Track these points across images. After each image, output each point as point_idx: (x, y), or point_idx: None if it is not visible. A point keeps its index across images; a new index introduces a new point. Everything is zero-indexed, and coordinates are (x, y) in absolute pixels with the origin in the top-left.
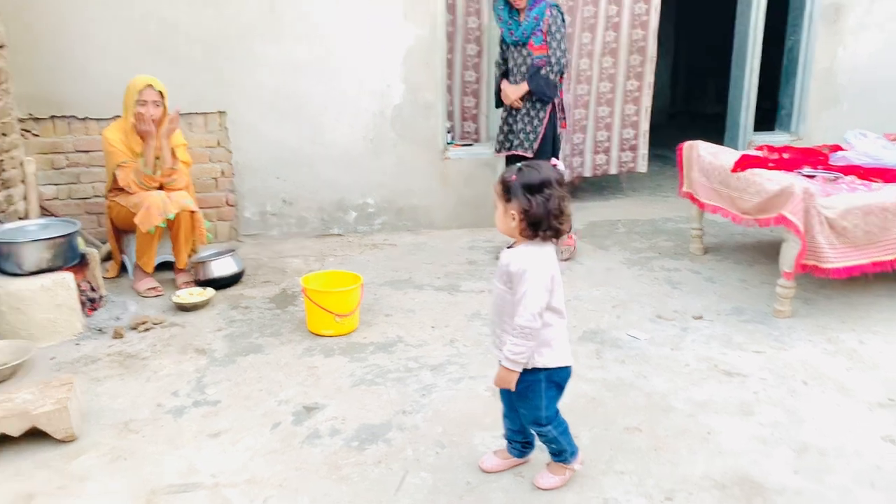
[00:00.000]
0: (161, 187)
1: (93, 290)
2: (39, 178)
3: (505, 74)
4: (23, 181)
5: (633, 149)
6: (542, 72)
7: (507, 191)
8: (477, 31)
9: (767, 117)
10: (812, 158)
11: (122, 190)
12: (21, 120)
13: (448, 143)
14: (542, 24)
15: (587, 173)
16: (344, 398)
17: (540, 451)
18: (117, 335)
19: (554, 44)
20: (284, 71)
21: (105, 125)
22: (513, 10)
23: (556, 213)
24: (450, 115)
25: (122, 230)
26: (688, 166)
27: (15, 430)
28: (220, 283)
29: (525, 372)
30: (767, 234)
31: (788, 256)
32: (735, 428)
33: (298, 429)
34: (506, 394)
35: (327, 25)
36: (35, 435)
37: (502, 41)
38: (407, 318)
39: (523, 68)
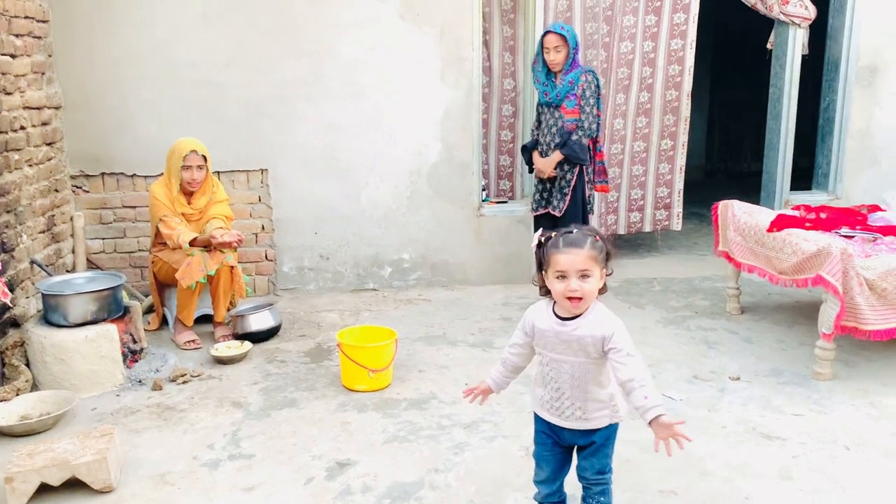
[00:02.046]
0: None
1: (134, 342)
2: (87, 232)
3: (536, 143)
4: (72, 235)
5: (668, 207)
6: (574, 137)
7: (604, 252)
8: (512, 92)
9: (804, 175)
10: (850, 218)
11: (165, 245)
12: (73, 177)
13: (483, 201)
14: (576, 88)
15: (622, 231)
16: (376, 454)
17: None
18: (156, 387)
19: (587, 108)
20: (325, 130)
21: (151, 182)
22: (550, 73)
23: None
24: (485, 174)
25: (164, 284)
26: (723, 225)
27: (55, 479)
28: (258, 337)
29: (610, 426)
30: (805, 295)
31: (827, 318)
32: (774, 494)
33: (331, 484)
34: (553, 460)
35: (368, 88)
36: (74, 485)
37: (539, 103)
38: (440, 374)
39: (554, 129)
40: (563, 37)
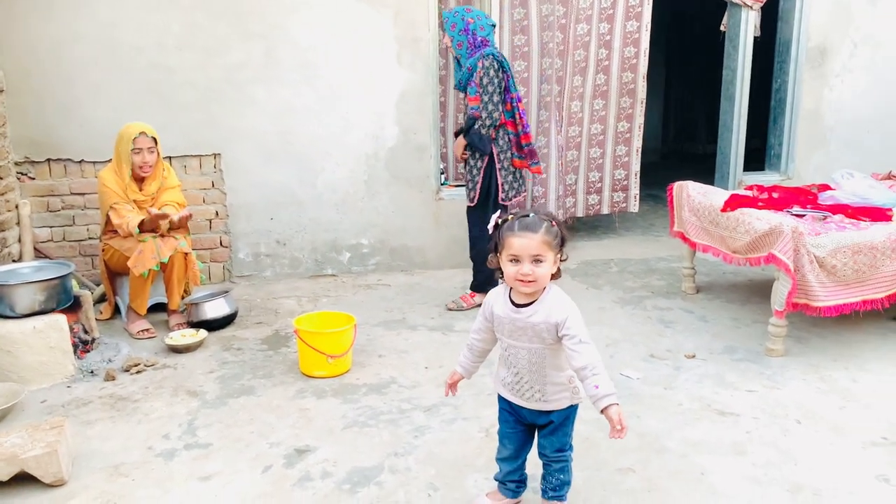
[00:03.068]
0: (155, 231)
1: (85, 332)
2: (34, 220)
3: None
4: (18, 224)
5: (625, 189)
6: (476, 125)
7: (557, 237)
8: None
9: (758, 157)
10: (801, 198)
11: (116, 232)
12: (17, 163)
13: (441, 185)
14: (475, 75)
15: (580, 213)
16: (336, 440)
17: (533, 493)
18: (109, 377)
19: (485, 97)
20: (279, 114)
21: (100, 168)
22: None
23: None
24: (443, 157)
25: (115, 272)
26: (678, 206)
27: (3, 474)
28: (213, 325)
29: (570, 406)
30: (759, 273)
31: (779, 295)
32: (728, 468)
33: (290, 472)
34: (516, 437)
35: (322, 70)
36: (24, 479)
37: None
38: (400, 358)
39: (464, 116)
40: (444, 19)
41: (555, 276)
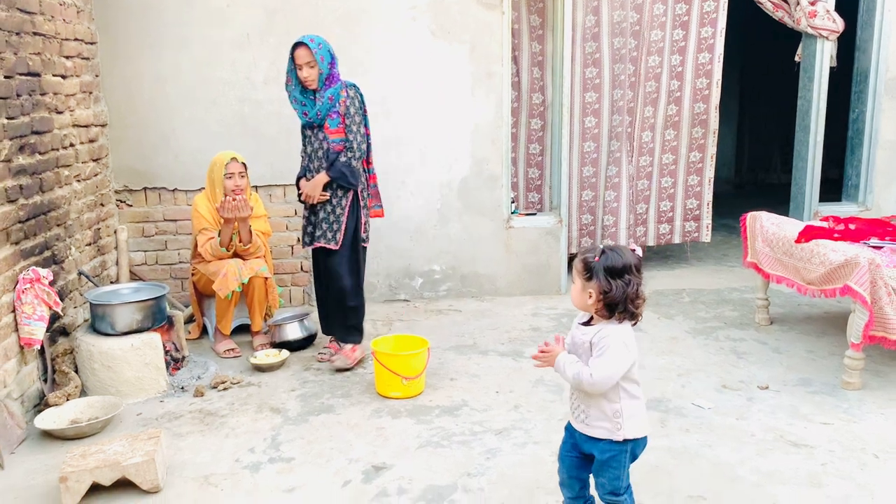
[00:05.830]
0: (237, 254)
1: (177, 350)
2: (130, 244)
3: (307, 168)
4: (115, 248)
5: (697, 219)
6: (343, 158)
7: (587, 270)
8: (541, 106)
9: (834, 187)
10: (879, 229)
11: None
12: (117, 192)
13: (512, 213)
14: (338, 105)
15: (651, 242)
16: (411, 459)
17: None
18: (198, 393)
19: (354, 127)
20: None
21: (192, 196)
22: (307, 90)
23: (633, 298)
24: (514, 186)
25: (203, 294)
26: (752, 237)
27: (106, 479)
28: (294, 345)
29: (612, 443)
30: (834, 305)
31: (856, 327)
32: (803, 499)
33: (368, 487)
34: (568, 461)
35: (400, 103)
36: (124, 484)
37: (301, 126)
38: (472, 382)
39: (320, 153)
40: (312, 51)
41: (601, 315)
